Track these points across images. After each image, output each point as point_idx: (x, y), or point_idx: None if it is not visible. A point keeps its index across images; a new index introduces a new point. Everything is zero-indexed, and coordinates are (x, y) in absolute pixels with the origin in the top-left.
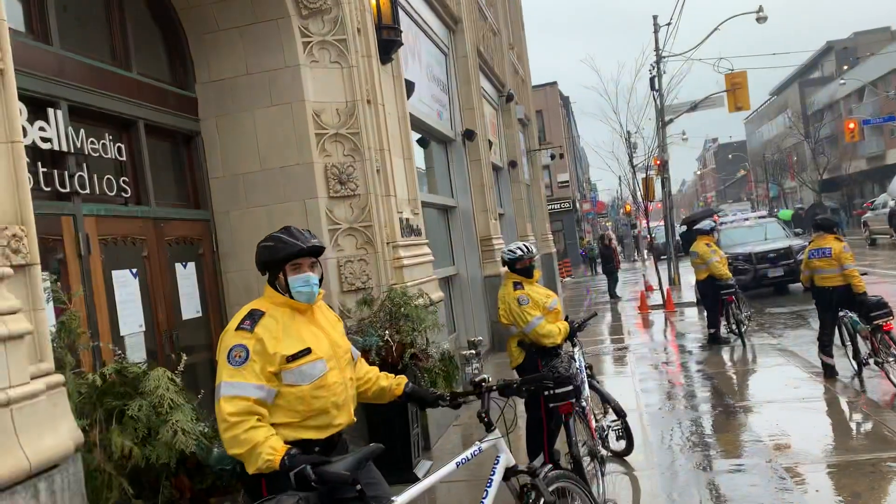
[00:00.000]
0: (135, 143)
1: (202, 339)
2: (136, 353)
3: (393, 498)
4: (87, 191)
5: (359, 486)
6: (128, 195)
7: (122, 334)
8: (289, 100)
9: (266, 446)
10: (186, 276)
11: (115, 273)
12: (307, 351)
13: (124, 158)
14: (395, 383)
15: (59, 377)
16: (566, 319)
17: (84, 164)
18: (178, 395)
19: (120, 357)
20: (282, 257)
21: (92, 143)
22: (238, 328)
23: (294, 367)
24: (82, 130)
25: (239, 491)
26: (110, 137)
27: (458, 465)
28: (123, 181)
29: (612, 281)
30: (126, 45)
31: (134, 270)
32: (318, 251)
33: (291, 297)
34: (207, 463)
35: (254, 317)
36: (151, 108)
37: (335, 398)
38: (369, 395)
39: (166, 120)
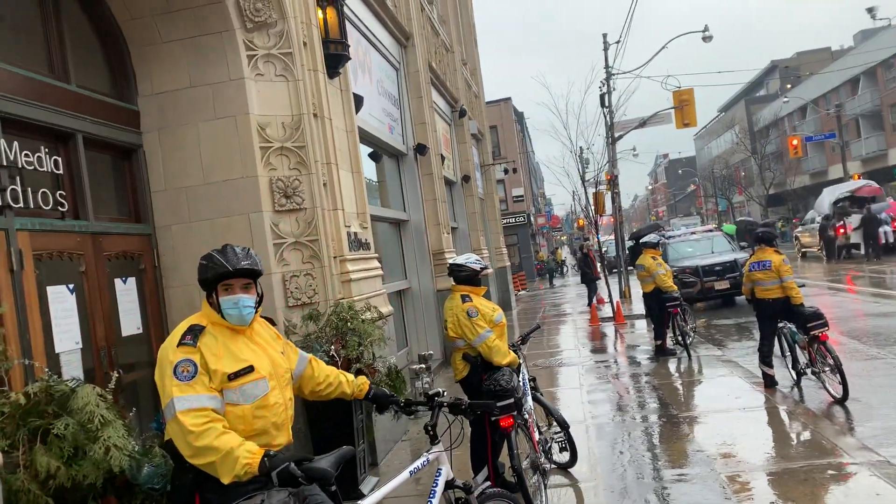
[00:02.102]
0: (73, 157)
1: (143, 355)
2: (73, 370)
3: (357, 503)
4: (21, 205)
5: (333, 487)
6: (65, 209)
7: (57, 351)
8: (233, 113)
9: (242, 450)
10: (126, 292)
11: (50, 289)
12: (249, 369)
13: (61, 172)
14: (359, 387)
15: None
16: (511, 346)
17: (18, 178)
18: (108, 412)
19: (48, 375)
20: (211, 277)
21: (27, 155)
22: (181, 344)
23: (236, 387)
24: (16, 143)
25: None
26: (47, 150)
27: (411, 474)
28: (60, 195)
29: (592, 291)
30: (64, 57)
31: (71, 286)
32: (250, 273)
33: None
34: (137, 482)
35: (194, 332)
36: (91, 121)
37: (275, 419)
38: (331, 396)
39: (107, 133)
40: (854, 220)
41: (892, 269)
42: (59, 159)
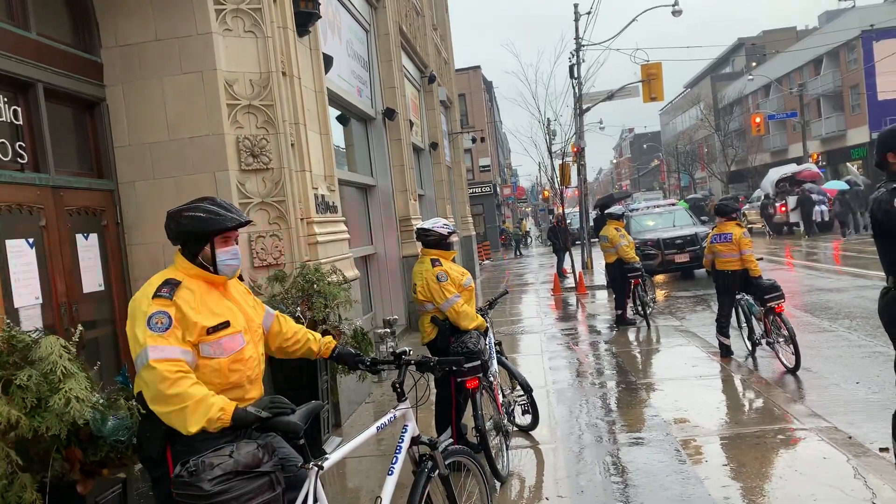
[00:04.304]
0: (33, 107)
1: (104, 313)
2: (32, 326)
3: (326, 455)
4: None
5: (302, 441)
6: (24, 161)
7: (16, 306)
8: (200, 68)
9: (217, 398)
10: (88, 248)
11: (8, 242)
12: (226, 324)
13: (21, 122)
14: (325, 345)
15: None
16: (478, 311)
17: None
18: (71, 364)
19: (9, 326)
20: (214, 230)
21: None
22: (156, 296)
23: (213, 340)
24: None
25: (134, 463)
26: (5, 100)
27: (378, 430)
28: (20, 146)
29: (561, 260)
30: (24, 4)
31: (30, 240)
32: (244, 225)
33: (214, 270)
34: (101, 434)
35: (171, 285)
36: (52, 72)
37: (249, 372)
38: (297, 353)
39: (69, 84)
40: (791, 200)
41: (826, 245)
42: (19, 109)
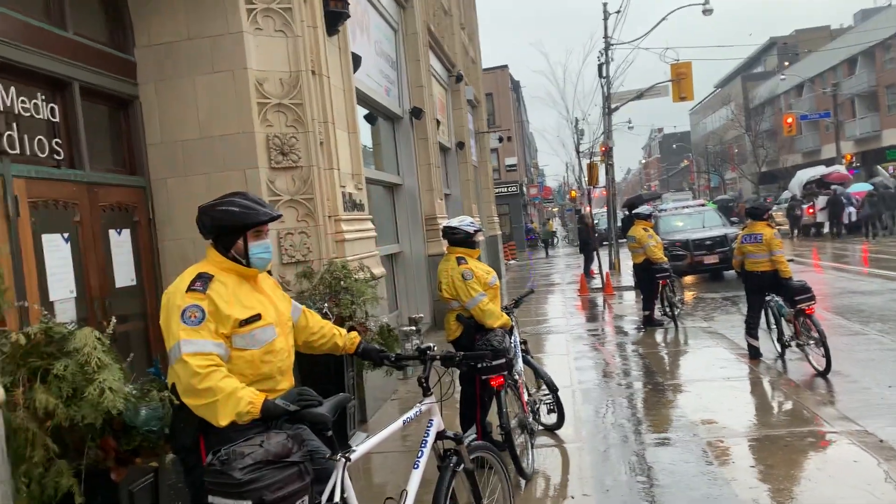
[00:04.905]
0: (69, 105)
1: (136, 307)
2: (67, 319)
3: (353, 448)
4: (17, 151)
5: (329, 433)
6: (60, 158)
7: (51, 300)
8: (231, 67)
9: (246, 391)
10: (120, 244)
11: (45, 237)
12: (258, 317)
13: (57, 120)
14: (350, 341)
15: None
16: (504, 309)
17: (14, 124)
18: (105, 355)
19: (47, 318)
20: (248, 223)
21: (23, 102)
22: (190, 289)
23: (246, 332)
24: (13, 89)
25: (166, 453)
26: (43, 97)
27: (404, 423)
28: (56, 143)
29: (589, 260)
30: (61, 4)
31: (65, 235)
32: (276, 219)
33: (247, 264)
34: (134, 424)
35: (204, 279)
36: (88, 70)
37: (280, 364)
38: (323, 348)
39: (103, 83)
40: (821, 201)
41: (854, 247)
42: (56, 107)
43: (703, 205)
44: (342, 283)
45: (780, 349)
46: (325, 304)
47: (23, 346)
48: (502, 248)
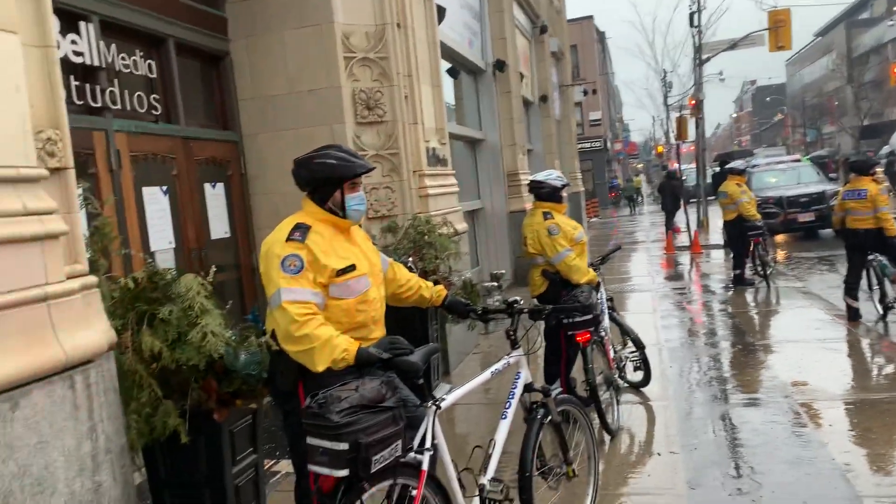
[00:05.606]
0: (165, 61)
1: (230, 258)
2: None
3: (443, 396)
4: (119, 106)
5: (420, 381)
6: (158, 113)
7: (152, 249)
8: (318, 21)
9: (341, 339)
10: (215, 197)
11: (145, 190)
12: (353, 267)
13: (154, 76)
14: (436, 294)
15: (93, 279)
16: (590, 265)
17: (115, 80)
18: (207, 301)
19: (151, 264)
20: (347, 175)
21: (123, 58)
22: (289, 239)
23: (341, 282)
24: (113, 45)
25: (263, 396)
26: (141, 54)
27: (492, 374)
28: (154, 98)
29: (671, 217)
30: None
31: (164, 188)
32: (370, 171)
33: (343, 215)
34: (235, 368)
35: (302, 229)
36: (182, 27)
37: (374, 313)
38: (410, 301)
39: (197, 39)
40: None
41: None
42: (153, 63)
43: (797, 160)
44: (426, 237)
45: (881, 311)
46: (409, 259)
47: (131, 290)
48: (585, 206)
